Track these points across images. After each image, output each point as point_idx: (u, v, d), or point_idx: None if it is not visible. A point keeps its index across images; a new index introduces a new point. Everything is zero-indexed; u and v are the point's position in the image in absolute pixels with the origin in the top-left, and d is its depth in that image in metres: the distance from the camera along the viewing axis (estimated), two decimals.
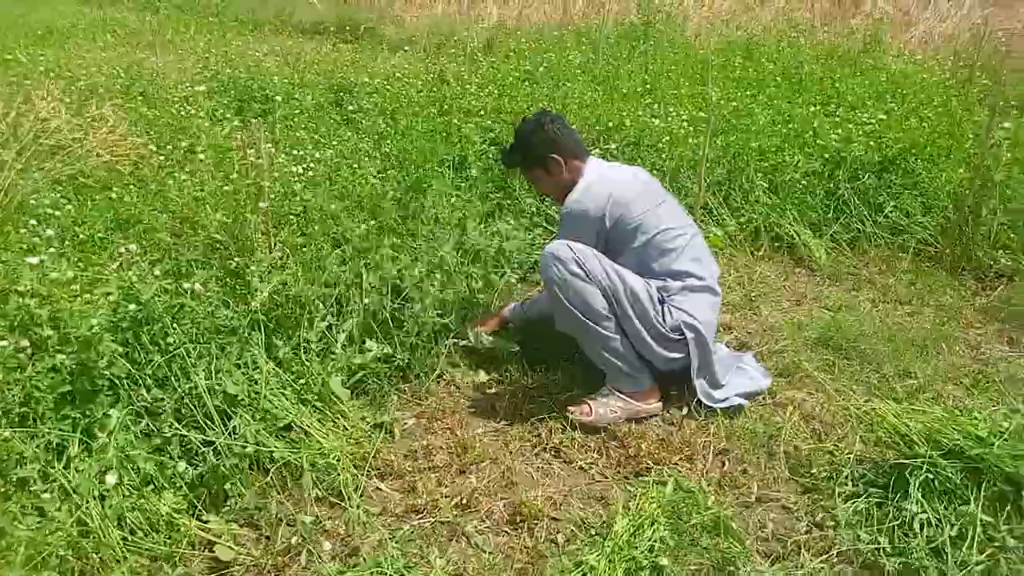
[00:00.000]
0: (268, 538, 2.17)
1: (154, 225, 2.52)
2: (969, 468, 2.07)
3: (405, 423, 2.67)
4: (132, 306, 2.25)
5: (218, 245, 2.67)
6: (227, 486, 2.21)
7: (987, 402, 2.67)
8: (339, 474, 2.29)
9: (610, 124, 4.27)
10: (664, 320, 2.54)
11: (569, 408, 2.65)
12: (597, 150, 4.10)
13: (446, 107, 4.85)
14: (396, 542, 2.12)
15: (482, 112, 4.72)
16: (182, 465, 2.18)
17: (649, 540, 2.05)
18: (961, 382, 2.82)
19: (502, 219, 3.77)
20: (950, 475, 2.08)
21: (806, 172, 4.07)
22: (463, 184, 3.97)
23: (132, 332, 2.25)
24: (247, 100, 4.87)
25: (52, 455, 2.02)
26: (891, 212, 3.98)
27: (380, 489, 2.38)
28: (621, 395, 2.62)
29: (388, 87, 5.30)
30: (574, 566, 2.01)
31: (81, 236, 2.49)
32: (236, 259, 2.55)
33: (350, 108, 4.69)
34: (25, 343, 2.08)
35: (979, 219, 3.75)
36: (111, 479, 1.92)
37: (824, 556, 2.05)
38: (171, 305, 2.32)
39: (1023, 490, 1.98)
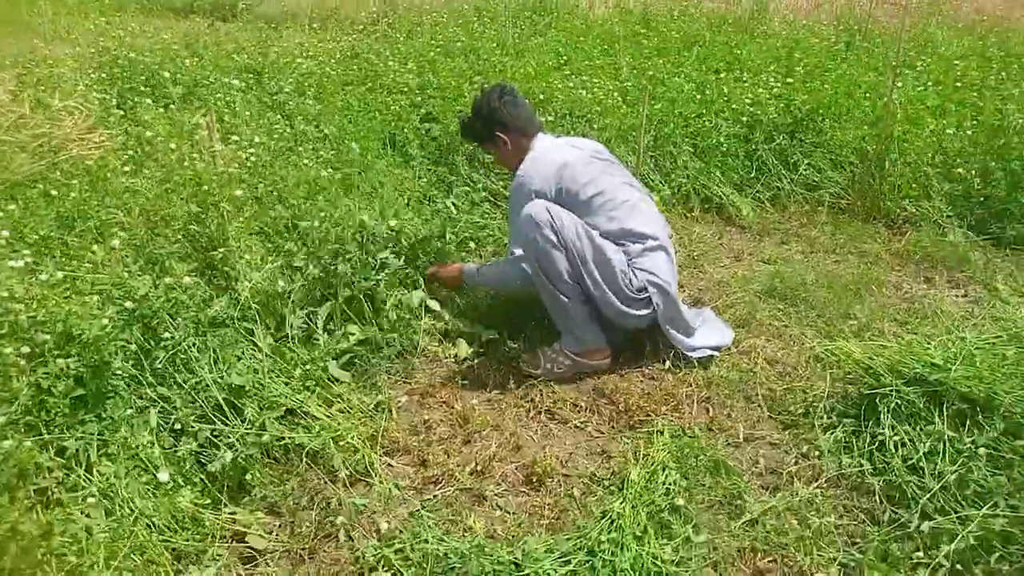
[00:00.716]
0: (293, 524, 2.18)
1: (125, 219, 2.42)
2: (930, 392, 2.34)
3: (399, 400, 2.72)
4: (128, 303, 2.19)
5: (191, 236, 2.60)
6: (247, 476, 2.21)
7: (922, 336, 2.98)
8: (358, 454, 2.33)
9: (541, 96, 4.37)
10: (631, 283, 2.68)
11: (523, 357, 2.85)
12: None
13: (371, 85, 4.80)
14: (427, 511, 2.18)
15: (406, 88, 4.71)
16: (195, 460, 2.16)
17: (664, 484, 2.22)
18: (895, 319, 3.14)
19: (448, 196, 3.83)
20: (914, 400, 2.34)
21: (727, 136, 4.32)
22: (402, 162, 3.98)
23: (131, 330, 2.18)
24: (156, 86, 4.64)
25: (71, 461, 1.96)
26: (805, 170, 4.31)
27: (392, 465, 2.43)
28: (568, 353, 2.78)
29: (304, 66, 5.17)
30: (601, 515, 2.15)
31: (36, 235, 2.36)
32: (217, 250, 2.50)
33: (272, 90, 4.56)
34: (26, 349, 1.99)
35: (883, 172, 4.12)
36: (164, 476, 1.89)
37: (815, 483, 2.27)
38: (167, 300, 2.26)
39: (979, 406, 2.26)
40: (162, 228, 2.51)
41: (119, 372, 2.03)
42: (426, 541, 2.05)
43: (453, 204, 3.78)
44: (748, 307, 3.22)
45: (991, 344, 2.49)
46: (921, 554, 1.96)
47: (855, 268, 3.59)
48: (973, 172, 3.96)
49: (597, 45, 5.94)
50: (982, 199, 3.95)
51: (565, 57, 5.45)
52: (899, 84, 4.24)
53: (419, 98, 4.49)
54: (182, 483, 2.12)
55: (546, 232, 2.58)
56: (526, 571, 1.96)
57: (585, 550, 2.02)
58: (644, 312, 2.72)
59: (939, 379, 2.32)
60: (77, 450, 1.97)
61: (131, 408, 2.07)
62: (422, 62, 5.15)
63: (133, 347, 2.09)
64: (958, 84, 4.70)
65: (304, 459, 2.31)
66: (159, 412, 2.17)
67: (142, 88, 4.28)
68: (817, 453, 2.38)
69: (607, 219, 2.78)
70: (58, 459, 1.96)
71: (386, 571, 1.99)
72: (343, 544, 2.10)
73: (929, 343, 2.54)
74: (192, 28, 8.66)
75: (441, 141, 4.01)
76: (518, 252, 2.75)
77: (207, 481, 2.16)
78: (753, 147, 4.37)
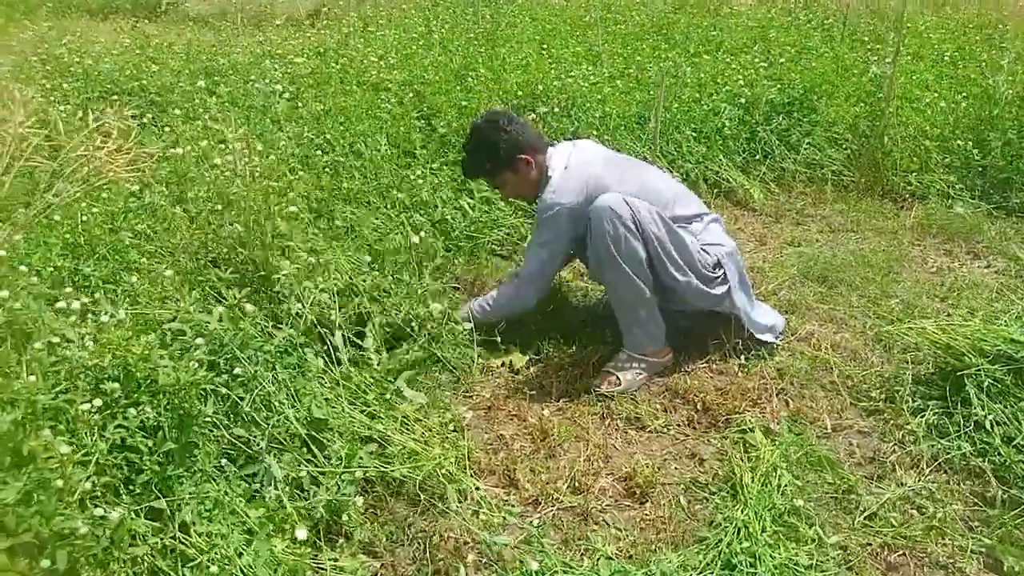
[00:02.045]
0: (393, 563, 2.04)
1: (171, 244, 2.20)
2: (1015, 369, 2.35)
3: (464, 417, 2.58)
4: (200, 340, 1.98)
5: (236, 257, 2.39)
6: (343, 517, 2.04)
7: (965, 309, 3.02)
8: (456, 480, 2.19)
9: (540, 88, 4.25)
10: (707, 262, 2.64)
11: (596, 387, 2.67)
12: (532, 115, 4.07)
13: (350, 85, 4.58)
14: (539, 536, 2.07)
15: (391, 85, 4.52)
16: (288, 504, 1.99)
17: (778, 486, 2.16)
18: (935, 295, 3.17)
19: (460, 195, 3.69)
20: (1001, 377, 2.35)
21: (729, 119, 4.30)
22: (412, 163, 3.80)
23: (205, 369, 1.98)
24: (122, 94, 4.31)
25: (166, 523, 1.77)
26: (806, 149, 4.33)
27: (479, 488, 2.30)
28: (639, 357, 2.69)
29: (272, 67, 4.90)
30: (721, 523, 2.08)
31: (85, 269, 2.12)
32: (272, 275, 2.31)
33: (252, 92, 4.29)
34: (98, 402, 1.78)
35: (883, 147, 4.17)
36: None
37: (916, 468, 2.26)
38: (234, 332, 2.07)
39: None
40: (207, 252, 2.30)
41: (208, 419, 1.84)
42: (557, 572, 1.94)
43: (468, 204, 3.64)
44: (791, 292, 3.20)
45: None
46: None
47: (878, 245, 3.62)
48: (970, 143, 4.04)
49: (569, 31, 5.84)
50: (980, 169, 4.04)
51: (546, 45, 5.33)
52: (888, 60, 4.29)
53: (410, 94, 4.30)
54: (272, 532, 1.95)
55: (628, 223, 2.49)
56: None
57: (720, 563, 1.94)
58: (722, 290, 2.68)
59: None
60: (172, 512, 1.77)
61: (223, 457, 1.88)
62: (402, 56, 4.95)
63: (223, 390, 1.89)
64: (945, 58, 4.81)
65: (392, 491, 2.17)
66: (244, 455, 1.99)
67: (111, 97, 3.95)
68: (912, 439, 2.36)
69: (659, 209, 2.70)
70: (150, 522, 1.77)
71: None
72: None
73: (998, 319, 2.55)
74: (102, 28, 8.18)
75: (448, 138, 3.85)
76: (527, 275, 2.80)
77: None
78: (753, 129, 4.36)
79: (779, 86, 4.50)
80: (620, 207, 2.48)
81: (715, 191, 4.18)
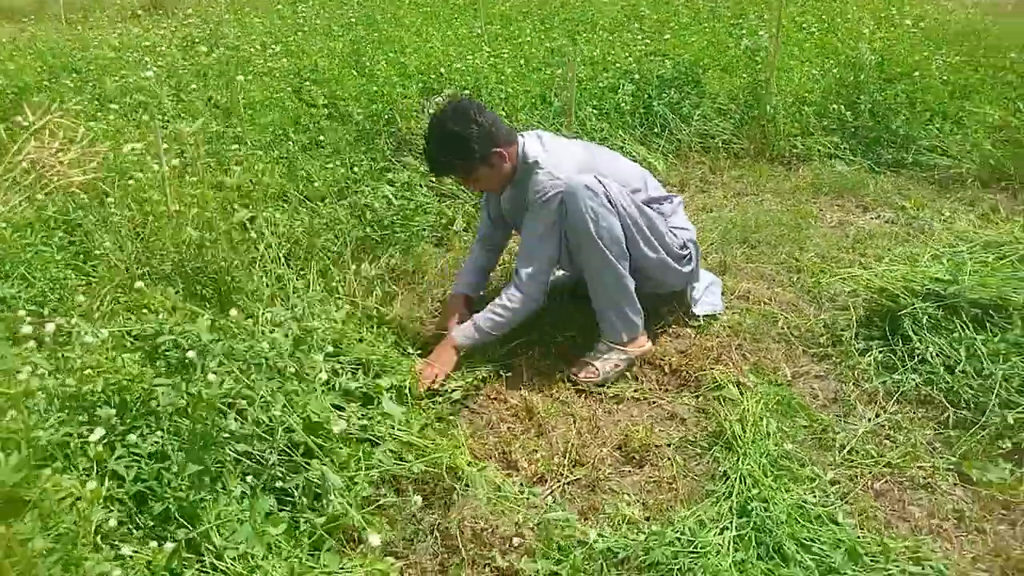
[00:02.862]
0: (419, 564, 1.99)
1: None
2: (945, 305, 2.61)
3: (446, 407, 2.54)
4: (191, 353, 1.83)
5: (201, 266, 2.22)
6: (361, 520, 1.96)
7: (874, 256, 3.31)
8: (469, 471, 2.16)
9: (441, 71, 4.20)
10: (674, 243, 2.71)
11: (573, 374, 2.65)
12: (439, 98, 4.02)
13: (234, 75, 4.32)
14: (558, 513, 2.08)
15: (279, 73, 4.31)
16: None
17: (769, 433, 2.29)
18: (843, 246, 3.44)
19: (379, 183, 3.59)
20: (933, 313, 2.60)
21: (625, 95, 4.44)
22: (321, 154, 3.66)
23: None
24: None
25: (199, 553, 1.63)
26: (697, 120, 4.55)
27: (481, 469, 2.28)
28: (619, 347, 2.66)
29: (145, 61, 4.53)
30: (723, 475, 2.18)
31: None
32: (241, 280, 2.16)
33: (130, 89, 3.94)
34: (100, 431, 1.61)
35: (766, 115, 4.46)
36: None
37: (875, 404, 2.47)
38: (223, 340, 1.92)
39: (991, 310, 2.56)
40: (160, 259, 2.11)
41: (232, 434, 1.70)
42: (586, 543, 1.97)
43: (391, 193, 3.55)
44: (719, 255, 3.37)
45: (968, 254, 2.83)
46: (1007, 444, 2.21)
47: (780, 205, 3.88)
48: (842, 107, 4.41)
49: (445, 14, 5.79)
50: (854, 130, 4.42)
51: (427, 28, 5.26)
52: (762, 34, 4.59)
53: (306, 83, 4.12)
54: (292, 545, 1.85)
55: (603, 200, 2.49)
56: (700, 546, 1.94)
57: (736, 512, 2.04)
58: (688, 268, 2.76)
59: (953, 291, 2.60)
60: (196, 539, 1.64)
61: (247, 474, 1.75)
62: (284, 45, 4.73)
63: (243, 403, 1.76)
64: (812, 30, 5.19)
65: (394, 489, 2.11)
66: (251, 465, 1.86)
67: None
68: (865, 377, 2.57)
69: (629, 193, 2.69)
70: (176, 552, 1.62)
71: None
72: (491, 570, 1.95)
73: (926, 261, 2.81)
74: None
75: (363, 125, 3.73)
76: (529, 270, 2.58)
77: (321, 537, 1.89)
78: (648, 103, 4.52)
79: (666, 61, 4.69)
80: (594, 185, 2.49)
81: None
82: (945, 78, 4.63)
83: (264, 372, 1.92)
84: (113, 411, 1.67)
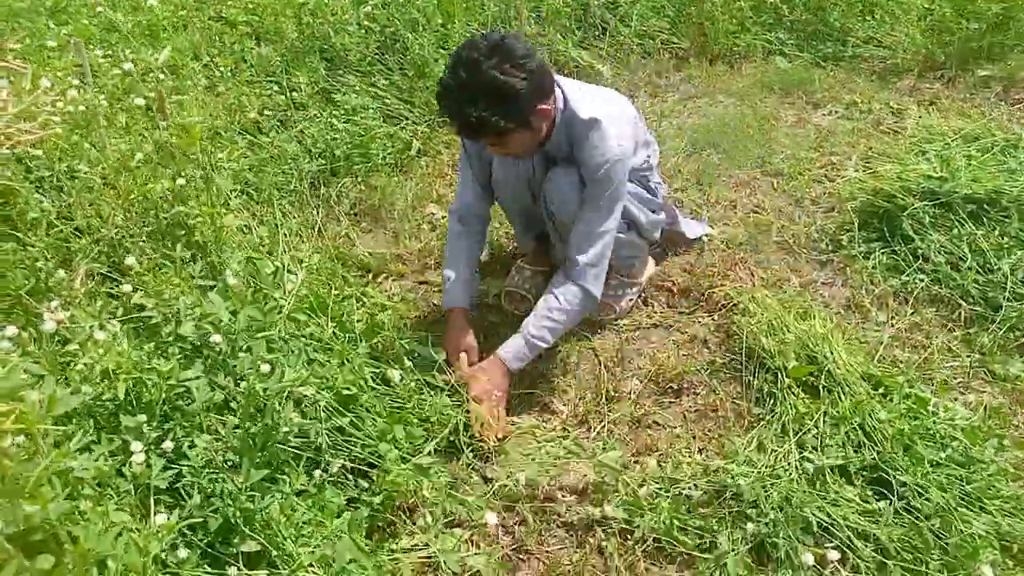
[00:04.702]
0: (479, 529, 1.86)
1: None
2: (940, 203, 2.62)
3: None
4: (216, 337, 1.56)
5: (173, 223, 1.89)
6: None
7: (842, 155, 3.30)
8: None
9: None
10: (657, 197, 2.48)
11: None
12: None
13: None
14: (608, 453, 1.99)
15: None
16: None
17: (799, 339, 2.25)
18: (811, 146, 3.41)
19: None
20: (930, 210, 2.62)
21: None
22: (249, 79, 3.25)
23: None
24: None
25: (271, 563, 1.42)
26: (635, 21, 4.35)
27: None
28: (632, 280, 2.52)
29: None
30: (776, 392, 2.13)
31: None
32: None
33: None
34: (138, 445, 1.35)
35: (703, 12, 4.32)
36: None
37: (886, 307, 2.48)
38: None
39: (986, 204, 2.59)
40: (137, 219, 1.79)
41: (292, 428, 1.48)
42: (663, 481, 1.89)
43: (335, 117, 3.21)
44: (694, 164, 3.27)
45: (950, 148, 2.85)
46: None
47: (735, 107, 3.79)
48: (778, 0, 4.32)
49: None
50: (791, 24, 4.35)
51: None
52: None
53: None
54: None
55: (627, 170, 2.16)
56: (779, 474, 1.90)
57: (792, 432, 2.00)
58: (662, 215, 2.51)
59: (949, 188, 2.61)
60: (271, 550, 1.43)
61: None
62: None
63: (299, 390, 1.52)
64: None
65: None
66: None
67: None
68: (871, 280, 2.57)
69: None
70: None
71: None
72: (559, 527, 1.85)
73: (914, 160, 2.81)
74: None
75: (295, 44, 3.32)
76: (589, 257, 2.13)
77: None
78: (584, 4, 4.28)
79: None
80: (627, 151, 2.12)
81: (565, 74, 4.09)
82: None
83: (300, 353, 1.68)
84: (143, 418, 1.40)
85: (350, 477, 1.77)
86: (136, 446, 1.31)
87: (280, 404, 1.45)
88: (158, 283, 1.67)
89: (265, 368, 1.46)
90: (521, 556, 1.81)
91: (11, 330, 1.44)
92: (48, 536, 1.16)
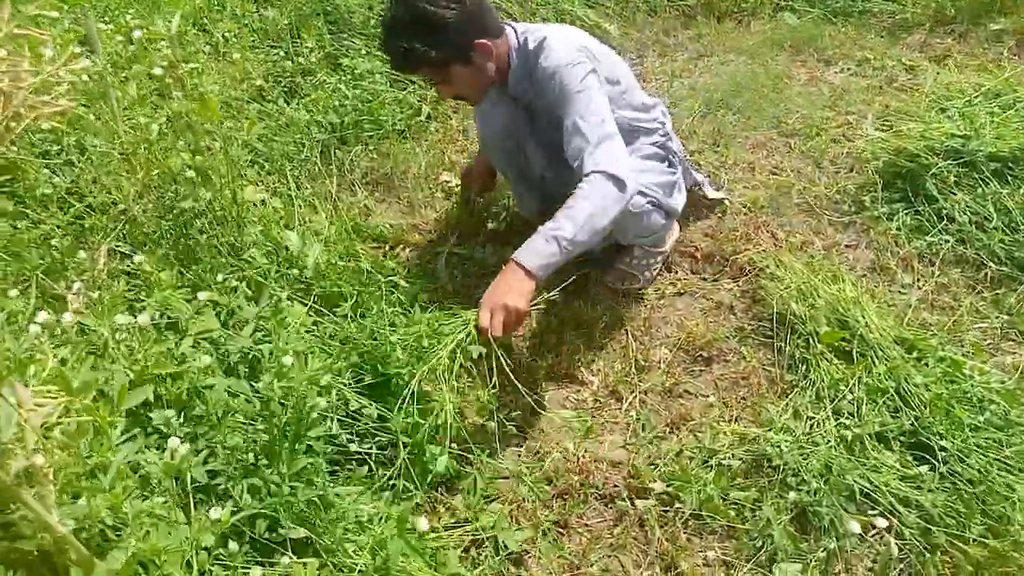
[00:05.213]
0: (518, 503, 1.84)
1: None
2: (964, 162, 2.59)
3: None
4: (245, 331, 1.51)
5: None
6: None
7: (858, 115, 3.25)
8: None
9: None
10: (676, 169, 2.42)
11: (607, 279, 2.43)
12: None
13: None
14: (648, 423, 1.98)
15: None
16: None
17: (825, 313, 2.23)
18: (826, 105, 3.36)
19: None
20: (954, 169, 2.58)
21: None
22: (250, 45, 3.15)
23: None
24: None
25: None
26: None
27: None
28: (655, 250, 2.44)
29: None
30: (814, 357, 2.12)
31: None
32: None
33: None
34: (175, 440, 1.31)
35: None
36: None
37: (911, 269, 2.46)
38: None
39: (1008, 163, 2.56)
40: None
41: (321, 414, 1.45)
42: (701, 451, 1.88)
43: (343, 83, 3.13)
44: (709, 124, 3.22)
45: (973, 106, 2.81)
46: None
47: (747, 66, 3.73)
48: None
49: None
50: None
51: None
52: None
53: None
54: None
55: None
56: (817, 441, 1.89)
57: (828, 399, 1.99)
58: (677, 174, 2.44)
59: (973, 147, 2.57)
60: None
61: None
62: None
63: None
64: None
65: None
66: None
67: None
68: (896, 242, 2.54)
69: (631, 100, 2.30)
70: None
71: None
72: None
73: (933, 118, 2.77)
74: None
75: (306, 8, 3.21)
76: (589, 148, 1.91)
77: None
78: None
79: None
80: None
81: None
82: None
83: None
84: (171, 413, 1.36)
85: (385, 453, 1.75)
86: (174, 441, 1.27)
87: (308, 391, 1.41)
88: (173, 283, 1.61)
89: (287, 360, 1.41)
90: (560, 530, 1.80)
91: (42, 316, 1.39)
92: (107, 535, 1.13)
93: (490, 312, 1.73)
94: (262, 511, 1.31)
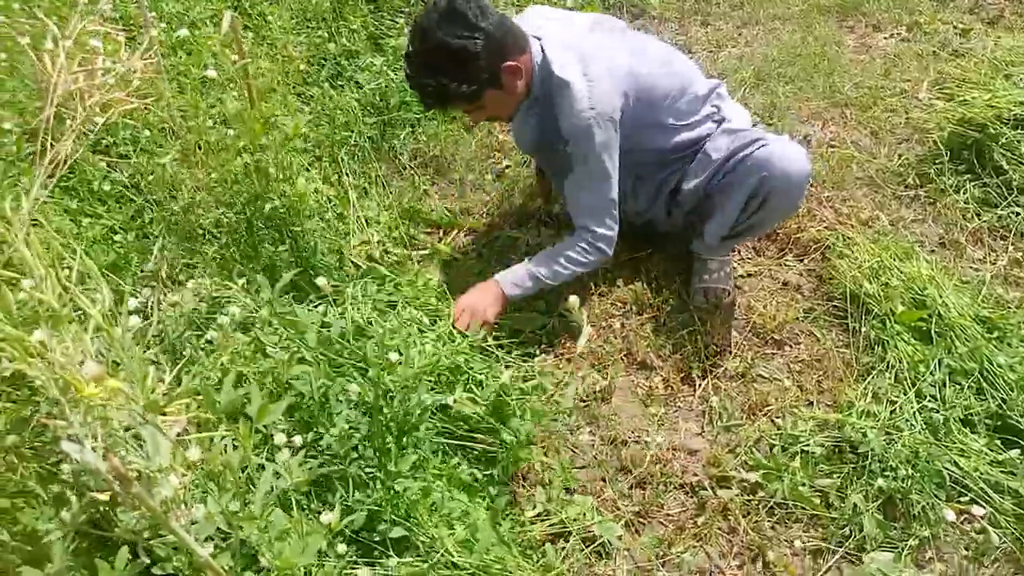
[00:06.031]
0: (599, 493, 1.82)
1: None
2: None
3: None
4: (342, 323, 1.49)
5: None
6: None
7: (913, 83, 3.16)
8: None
9: None
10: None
11: (694, 298, 2.28)
12: None
13: None
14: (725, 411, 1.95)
15: None
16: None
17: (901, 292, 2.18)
18: (876, 73, 3.27)
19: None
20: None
21: None
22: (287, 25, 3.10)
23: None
24: None
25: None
26: None
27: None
28: (731, 255, 2.37)
29: None
30: (884, 337, 2.07)
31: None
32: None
33: None
34: (281, 437, 1.29)
35: None
36: None
37: (982, 243, 2.39)
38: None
39: None
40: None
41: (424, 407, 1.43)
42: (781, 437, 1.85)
43: (384, 66, 3.07)
44: (761, 96, 3.14)
45: None
46: None
47: (793, 33, 3.63)
48: None
49: None
50: None
51: None
52: None
53: None
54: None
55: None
56: (900, 426, 1.85)
57: (909, 382, 1.95)
58: None
59: None
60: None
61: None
62: None
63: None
64: None
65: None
66: None
67: None
68: (963, 215, 2.48)
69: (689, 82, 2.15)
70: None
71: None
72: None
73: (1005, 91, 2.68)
74: None
75: None
76: (581, 220, 2.08)
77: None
78: None
79: None
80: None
81: (610, 3, 3.91)
82: None
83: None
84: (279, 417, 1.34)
85: (471, 450, 1.73)
86: (280, 438, 1.26)
87: (414, 386, 1.39)
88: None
89: (394, 356, 1.39)
90: (643, 520, 1.78)
91: (133, 303, 1.37)
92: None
93: (461, 310, 1.96)
94: (367, 508, 1.30)
